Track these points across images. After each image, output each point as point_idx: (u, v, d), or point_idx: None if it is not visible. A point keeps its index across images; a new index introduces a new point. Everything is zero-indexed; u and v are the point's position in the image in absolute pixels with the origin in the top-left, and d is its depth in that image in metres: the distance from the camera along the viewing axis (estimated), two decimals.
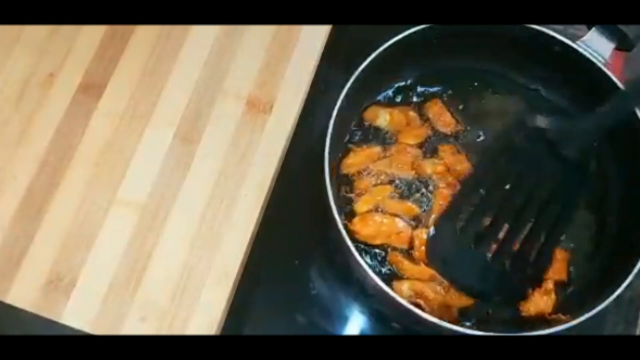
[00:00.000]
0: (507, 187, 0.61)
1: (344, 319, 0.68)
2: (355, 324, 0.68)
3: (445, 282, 0.63)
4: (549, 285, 0.64)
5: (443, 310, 0.63)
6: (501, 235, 0.61)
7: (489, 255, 0.60)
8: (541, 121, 0.61)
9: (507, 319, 0.64)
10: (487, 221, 0.61)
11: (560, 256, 0.66)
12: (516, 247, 0.60)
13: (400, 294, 0.63)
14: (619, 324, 0.68)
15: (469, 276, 0.61)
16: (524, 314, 0.64)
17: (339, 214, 0.60)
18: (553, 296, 0.64)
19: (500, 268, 0.60)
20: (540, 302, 0.64)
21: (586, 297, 0.63)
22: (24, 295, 0.63)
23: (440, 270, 0.61)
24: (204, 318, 0.63)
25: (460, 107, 0.71)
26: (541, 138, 0.60)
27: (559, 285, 0.65)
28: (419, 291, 0.63)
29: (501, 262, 0.60)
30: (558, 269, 0.65)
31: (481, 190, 0.62)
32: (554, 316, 0.63)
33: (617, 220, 0.68)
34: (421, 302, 0.63)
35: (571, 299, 0.65)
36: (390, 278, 0.64)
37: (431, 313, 0.61)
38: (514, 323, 0.64)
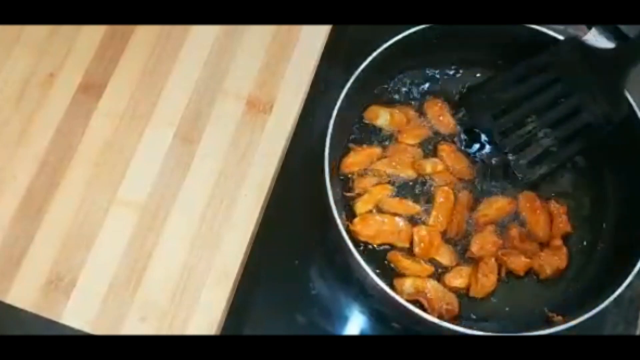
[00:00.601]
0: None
1: (344, 319, 0.68)
2: (355, 324, 0.68)
3: (447, 282, 0.64)
4: (556, 242, 0.66)
5: (443, 307, 0.63)
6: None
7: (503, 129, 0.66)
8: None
9: (522, 277, 0.66)
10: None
11: (558, 211, 0.67)
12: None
13: (402, 291, 0.63)
14: (619, 324, 0.68)
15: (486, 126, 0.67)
16: (541, 276, 0.65)
17: (339, 214, 0.60)
18: (565, 250, 0.66)
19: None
20: (552, 260, 0.65)
21: (586, 297, 0.63)
22: (24, 295, 0.63)
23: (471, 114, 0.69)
24: (204, 318, 0.63)
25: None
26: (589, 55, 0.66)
27: (567, 237, 0.67)
28: (420, 288, 0.63)
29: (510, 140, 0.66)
30: (560, 223, 0.67)
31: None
32: (554, 317, 0.63)
33: (616, 220, 0.68)
34: (422, 299, 0.63)
35: (571, 299, 0.65)
36: (391, 277, 0.64)
37: (432, 310, 0.61)
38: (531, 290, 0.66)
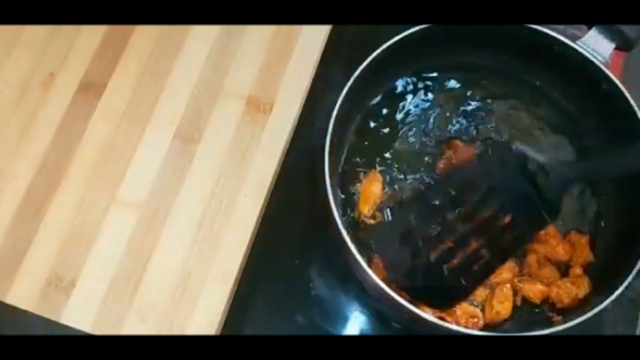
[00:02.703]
0: (474, 199, 0.60)
1: (344, 319, 0.68)
2: (355, 324, 0.68)
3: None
4: (577, 270, 0.65)
5: (469, 322, 0.63)
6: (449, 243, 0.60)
7: (432, 256, 0.60)
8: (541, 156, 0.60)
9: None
10: (438, 225, 0.60)
11: (580, 241, 0.66)
12: (458, 259, 0.60)
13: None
14: (619, 324, 0.67)
15: (408, 272, 0.60)
16: (557, 305, 0.64)
17: (339, 214, 0.60)
18: (585, 280, 0.64)
19: (438, 271, 0.60)
20: (571, 289, 0.63)
21: (586, 297, 0.63)
22: (24, 295, 0.63)
23: (381, 254, 0.62)
24: (204, 318, 0.63)
25: (461, 107, 0.71)
26: (524, 166, 0.59)
27: (588, 267, 0.65)
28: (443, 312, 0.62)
29: (440, 267, 0.60)
30: (582, 253, 0.65)
31: (450, 191, 0.61)
32: (554, 317, 0.63)
33: (615, 219, 0.68)
34: (447, 316, 0.62)
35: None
36: None
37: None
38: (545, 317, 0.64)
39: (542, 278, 0.65)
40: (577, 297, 0.63)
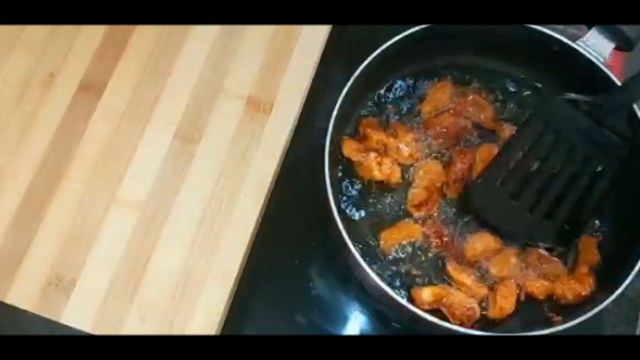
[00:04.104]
0: (543, 154, 0.64)
1: (344, 319, 0.68)
2: (355, 324, 0.68)
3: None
4: (583, 269, 0.64)
5: (464, 313, 0.62)
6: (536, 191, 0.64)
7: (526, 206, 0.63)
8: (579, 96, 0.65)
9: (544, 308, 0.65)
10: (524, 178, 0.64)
11: (588, 242, 0.66)
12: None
13: (421, 301, 0.62)
14: (619, 324, 0.68)
15: (508, 223, 0.64)
16: (562, 302, 0.64)
17: (339, 214, 0.60)
18: (590, 280, 0.64)
19: (538, 218, 0.63)
20: (575, 287, 0.63)
21: (590, 295, 0.63)
22: (24, 295, 0.63)
23: (481, 218, 0.65)
24: (204, 318, 0.63)
25: None
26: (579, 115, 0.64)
27: (594, 268, 0.65)
28: (439, 296, 0.62)
29: (538, 213, 0.63)
30: (589, 254, 0.65)
31: (520, 153, 0.65)
32: (554, 317, 0.63)
33: (615, 219, 0.68)
34: (443, 308, 0.62)
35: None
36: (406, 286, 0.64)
37: (452, 317, 0.61)
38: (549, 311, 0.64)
39: (546, 274, 0.64)
40: (580, 295, 0.63)
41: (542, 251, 0.65)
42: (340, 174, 0.68)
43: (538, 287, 0.64)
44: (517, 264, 0.65)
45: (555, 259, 0.65)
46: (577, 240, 0.65)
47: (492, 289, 0.64)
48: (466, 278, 0.63)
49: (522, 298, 0.64)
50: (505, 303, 0.63)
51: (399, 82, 0.72)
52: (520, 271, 0.65)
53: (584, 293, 0.63)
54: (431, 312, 0.60)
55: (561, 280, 0.64)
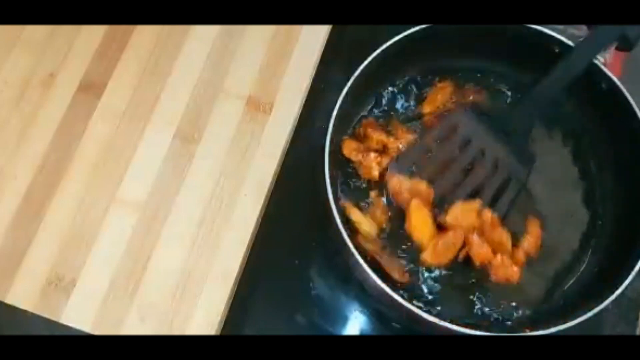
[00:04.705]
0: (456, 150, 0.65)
1: (344, 319, 0.68)
2: (355, 324, 0.68)
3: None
4: (520, 255, 0.63)
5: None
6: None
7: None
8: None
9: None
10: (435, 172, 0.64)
11: (533, 227, 0.65)
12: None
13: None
14: (619, 324, 0.68)
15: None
16: (490, 277, 0.62)
17: (339, 214, 0.60)
18: (518, 269, 0.62)
19: None
20: (506, 269, 0.62)
21: (586, 297, 0.63)
22: (24, 295, 0.63)
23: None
24: (204, 318, 0.63)
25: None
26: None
27: (528, 262, 0.64)
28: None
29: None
30: (531, 241, 0.64)
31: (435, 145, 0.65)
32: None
33: (614, 218, 0.68)
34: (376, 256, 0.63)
35: (570, 300, 0.65)
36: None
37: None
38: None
39: (492, 242, 0.63)
40: (507, 279, 0.62)
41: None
42: (340, 174, 0.68)
43: (478, 252, 0.62)
44: (475, 220, 0.63)
45: (506, 232, 0.63)
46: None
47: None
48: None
49: (461, 256, 0.62)
50: (444, 250, 0.62)
51: (399, 82, 0.72)
52: (472, 231, 0.63)
53: (511, 279, 0.62)
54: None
55: (504, 252, 0.62)
